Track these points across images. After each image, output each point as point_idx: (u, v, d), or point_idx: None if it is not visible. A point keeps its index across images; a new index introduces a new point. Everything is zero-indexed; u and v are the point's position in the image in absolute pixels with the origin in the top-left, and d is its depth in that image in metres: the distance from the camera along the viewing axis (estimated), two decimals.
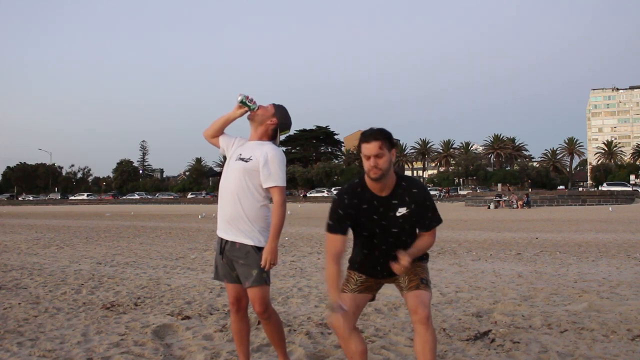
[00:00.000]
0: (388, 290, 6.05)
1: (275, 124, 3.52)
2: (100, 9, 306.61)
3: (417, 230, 3.18)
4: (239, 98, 3.43)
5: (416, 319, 2.98)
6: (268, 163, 3.36)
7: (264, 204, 3.43)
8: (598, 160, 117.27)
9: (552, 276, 7.99)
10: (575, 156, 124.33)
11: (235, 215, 3.39)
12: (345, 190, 3.07)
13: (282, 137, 3.61)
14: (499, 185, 77.17)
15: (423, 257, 3.23)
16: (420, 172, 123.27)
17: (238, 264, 3.41)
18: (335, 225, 3.03)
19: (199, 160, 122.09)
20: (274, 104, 3.58)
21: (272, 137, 3.55)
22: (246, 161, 3.40)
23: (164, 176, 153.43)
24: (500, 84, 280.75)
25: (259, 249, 3.37)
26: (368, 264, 3.23)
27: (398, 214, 3.02)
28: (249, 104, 3.45)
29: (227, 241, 3.43)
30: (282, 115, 3.55)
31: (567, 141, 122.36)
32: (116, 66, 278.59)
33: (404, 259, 2.93)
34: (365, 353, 3.10)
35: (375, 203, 3.02)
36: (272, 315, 3.52)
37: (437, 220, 3.15)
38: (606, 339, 4.58)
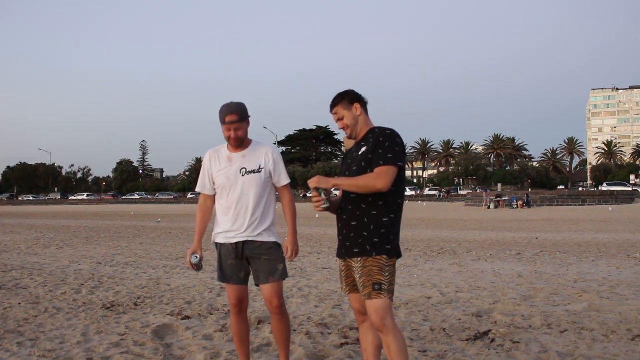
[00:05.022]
0: None
1: None
2: (97, 10, 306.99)
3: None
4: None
5: (374, 327, 3.08)
6: (276, 165, 3.60)
7: (273, 202, 3.66)
8: (598, 160, 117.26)
9: (552, 276, 7.99)
10: (575, 156, 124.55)
11: (254, 220, 3.54)
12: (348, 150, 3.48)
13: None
14: (499, 185, 77.14)
15: (382, 250, 3.03)
16: (420, 172, 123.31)
17: (260, 261, 3.53)
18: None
19: (199, 160, 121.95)
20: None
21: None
22: (258, 172, 3.54)
23: (164, 176, 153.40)
24: (500, 83, 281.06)
25: (279, 245, 3.59)
26: (338, 229, 3.22)
27: (360, 153, 3.16)
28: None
29: (243, 242, 3.53)
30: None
31: (567, 141, 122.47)
32: (116, 66, 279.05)
33: (315, 178, 3.08)
34: (380, 348, 3.22)
35: (354, 148, 3.28)
36: (286, 311, 3.64)
37: (386, 159, 3.00)
38: (606, 339, 4.58)
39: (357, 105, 3.20)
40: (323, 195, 3.12)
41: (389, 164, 3.00)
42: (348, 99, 3.21)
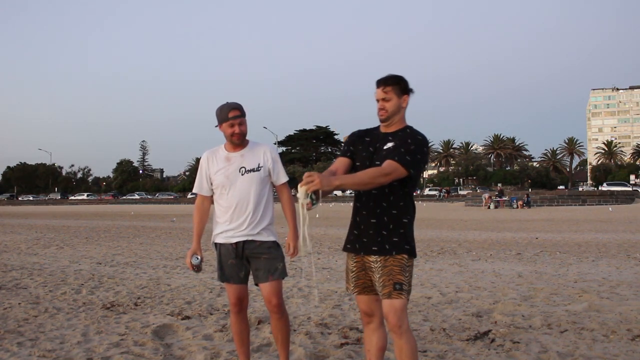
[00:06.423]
0: None
1: None
2: (99, 11, 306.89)
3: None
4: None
5: (389, 328, 3.04)
6: (275, 163, 3.65)
7: (272, 201, 3.69)
8: (598, 160, 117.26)
9: (552, 276, 7.99)
10: (575, 156, 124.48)
11: (254, 219, 3.57)
12: (360, 130, 3.33)
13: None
14: (499, 185, 77.19)
15: (402, 249, 3.01)
16: None
17: (260, 260, 3.56)
18: (342, 149, 3.31)
19: (198, 160, 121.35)
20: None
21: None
22: (257, 170, 3.59)
23: (164, 176, 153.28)
24: (499, 82, 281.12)
25: (278, 244, 3.62)
26: (354, 224, 3.16)
27: (385, 147, 3.09)
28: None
29: (243, 242, 3.55)
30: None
31: (567, 141, 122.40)
32: (116, 66, 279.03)
33: (316, 179, 2.73)
34: (384, 350, 3.22)
35: (378, 137, 3.18)
36: (285, 310, 3.65)
37: (402, 159, 2.93)
38: (606, 339, 4.58)
39: (406, 98, 3.11)
40: (313, 197, 2.83)
41: (401, 164, 2.94)
42: (403, 86, 3.09)
